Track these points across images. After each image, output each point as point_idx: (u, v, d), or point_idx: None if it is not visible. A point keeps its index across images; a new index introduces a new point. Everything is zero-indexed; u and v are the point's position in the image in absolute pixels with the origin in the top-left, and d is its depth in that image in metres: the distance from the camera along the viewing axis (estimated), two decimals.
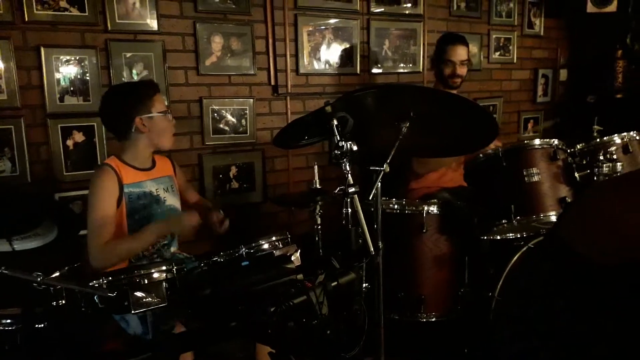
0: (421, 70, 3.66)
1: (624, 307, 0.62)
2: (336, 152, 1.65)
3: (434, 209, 2.44)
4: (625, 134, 2.31)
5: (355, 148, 1.67)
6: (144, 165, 2.09)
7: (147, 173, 2.09)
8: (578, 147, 2.32)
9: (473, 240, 2.46)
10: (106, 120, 2.09)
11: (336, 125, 1.67)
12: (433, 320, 2.46)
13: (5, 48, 2.41)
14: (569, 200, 2.09)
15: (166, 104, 2.74)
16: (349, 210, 1.66)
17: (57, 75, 2.55)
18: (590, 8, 3.93)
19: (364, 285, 2.22)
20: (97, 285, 1.28)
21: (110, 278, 1.36)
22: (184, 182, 2.37)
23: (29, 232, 1.25)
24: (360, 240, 1.70)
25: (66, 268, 1.17)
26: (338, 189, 1.64)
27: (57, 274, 1.13)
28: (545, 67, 4.38)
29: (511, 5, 4.06)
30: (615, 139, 2.30)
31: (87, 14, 2.58)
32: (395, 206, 2.48)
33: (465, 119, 2.06)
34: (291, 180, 3.29)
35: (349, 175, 1.66)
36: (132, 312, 1.27)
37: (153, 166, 2.15)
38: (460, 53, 2.85)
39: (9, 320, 1.45)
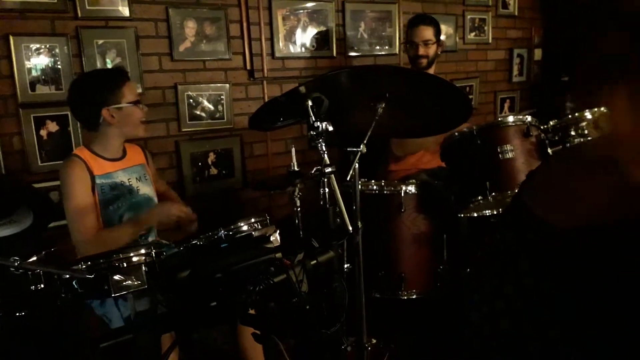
0: (397, 53, 3.68)
1: (585, 267, 0.65)
2: (312, 132, 1.67)
3: (411, 188, 2.47)
4: (595, 109, 2.35)
5: (330, 128, 1.69)
6: (114, 155, 2.06)
7: (117, 163, 2.06)
8: (551, 123, 2.36)
9: (451, 219, 2.50)
10: (74, 111, 2.05)
11: (311, 105, 1.68)
12: (414, 297, 2.50)
13: None
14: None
15: (139, 91, 2.74)
16: (327, 190, 1.68)
17: (28, 64, 2.51)
18: None
19: (345, 265, 2.24)
20: (75, 268, 1.28)
21: (89, 262, 1.35)
22: (155, 173, 2.33)
23: (4, 219, 1.24)
24: (338, 219, 1.72)
25: (43, 252, 1.17)
26: (315, 169, 1.66)
27: (34, 258, 1.13)
28: (520, 46, 4.43)
29: None
30: (586, 114, 2.34)
31: (56, 1, 2.53)
32: (374, 187, 2.51)
33: (439, 99, 2.09)
34: (270, 165, 3.30)
35: (325, 155, 1.68)
36: (112, 295, 1.28)
37: (124, 156, 2.11)
38: (422, 34, 2.86)
39: None
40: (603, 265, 0.62)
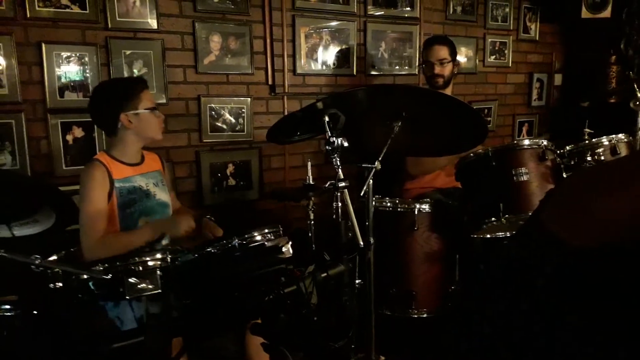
0: (417, 73, 3.71)
1: (602, 286, 0.66)
2: (327, 147, 1.70)
3: (425, 207, 2.49)
4: (613, 136, 2.35)
5: (346, 144, 1.72)
6: (132, 161, 2.12)
7: (136, 168, 2.13)
8: (567, 148, 2.36)
9: (464, 239, 2.50)
10: (94, 117, 2.12)
11: (327, 121, 1.71)
12: (424, 316, 2.50)
13: (7, 44, 2.46)
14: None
15: (163, 101, 2.83)
16: (339, 204, 1.71)
17: (58, 71, 2.60)
18: (584, 14, 3.98)
19: (357, 281, 2.26)
20: (93, 269, 1.33)
21: (106, 264, 1.40)
22: (169, 183, 2.38)
23: (28, 218, 1.30)
24: (349, 234, 1.75)
25: (63, 252, 1.22)
26: (328, 183, 1.70)
27: (54, 257, 1.18)
28: (540, 71, 4.43)
29: (507, 10, 4.12)
30: (603, 140, 2.34)
31: (87, 11, 2.63)
32: (388, 204, 2.53)
33: (455, 119, 2.11)
34: (287, 178, 3.34)
35: (340, 170, 1.71)
36: (127, 297, 1.31)
37: (142, 161, 2.18)
38: (437, 53, 2.89)
39: (7, 306, 1.49)
40: (620, 285, 0.62)
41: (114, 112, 2.03)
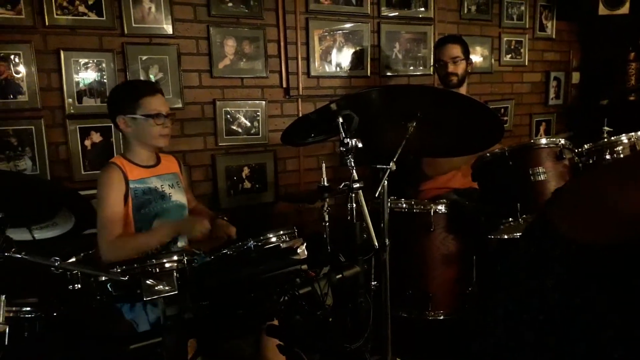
0: (432, 73, 3.70)
1: (610, 282, 0.65)
2: (342, 149, 1.70)
3: (441, 208, 2.47)
4: (632, 133, 2.31)
5: (360, 145, 1.72)
6: (147, 163, 2.14)
7: (151, 170, 2.14)
8: (585, 146, 2.32)
9: (481, 240, 2.48)
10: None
11: (342, 122, 1.72)
12: (441, 318, 2.48)
13: (26, 51, 2.51)
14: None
15: (179, 105, 2.85)
16: (354, 205, 1.71)
17: (76, 78, 2.65)
18: (602, 10, 3.93)
19: (372, 282, 2.25)
20: (111, 271, 1.35)
21: (124, 267, 1.42)
22: (186, 185, 2.38)
23: (48, 221, 1.32)
24: (364, 235, 1.74)
25: (82, 254, 1.24)
26: (343, 184, 1.70)
27: (73, 259, 1.20)
28: (557, 69, 4.38)
29: (522, 8, 4.08)
30: (622, 138, 2.30)
31: (104, 18, 2.67)
32: (404, 205, 2.52)
33: (470, 119, 2.09)
34: (302, 180, 3.35)
35: (354, 171, 1.71)
36: (144, 299, 1.33)
37: (157, 163, 2.19)
38: (449, 51, 2.89)
39: (28, 308, 1.52)
40: (631, 281, 0.62)
41: (112, 113, 2.07)
